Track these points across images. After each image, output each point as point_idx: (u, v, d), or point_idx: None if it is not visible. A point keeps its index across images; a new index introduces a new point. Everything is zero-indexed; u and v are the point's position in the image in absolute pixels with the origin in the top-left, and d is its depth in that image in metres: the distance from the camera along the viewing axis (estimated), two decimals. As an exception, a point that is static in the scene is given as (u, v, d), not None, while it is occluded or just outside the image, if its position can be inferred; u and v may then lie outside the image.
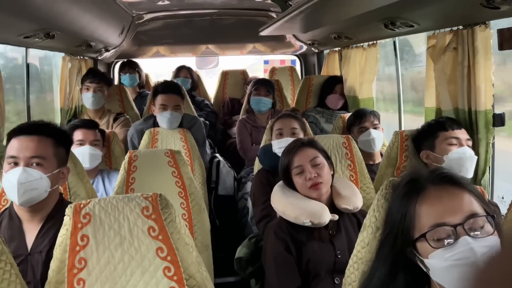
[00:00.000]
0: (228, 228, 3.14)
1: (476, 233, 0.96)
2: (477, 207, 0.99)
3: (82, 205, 1.20)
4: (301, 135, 2.46)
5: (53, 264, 1.19)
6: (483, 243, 0.95)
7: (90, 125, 2.52)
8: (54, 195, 1.60)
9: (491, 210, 1.02)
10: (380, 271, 1.09)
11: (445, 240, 0.97)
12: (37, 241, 1.53)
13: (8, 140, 1.56)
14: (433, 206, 1.00)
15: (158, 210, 1.20)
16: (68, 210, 1.20)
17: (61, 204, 1.61)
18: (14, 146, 1.53)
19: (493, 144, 2.10)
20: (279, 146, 2.35)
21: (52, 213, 1.58)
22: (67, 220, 1.19)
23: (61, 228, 1.20)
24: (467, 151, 1.99)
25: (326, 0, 2.24)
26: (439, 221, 0.98)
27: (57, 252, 1.19)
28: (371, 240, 1.22)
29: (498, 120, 2.06)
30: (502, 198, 2.15)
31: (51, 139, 1.58)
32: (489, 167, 2.11)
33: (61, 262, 1.16)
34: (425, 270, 1.02)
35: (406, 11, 2.18)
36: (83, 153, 2.38)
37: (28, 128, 1.57)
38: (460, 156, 1.97)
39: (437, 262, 0.97)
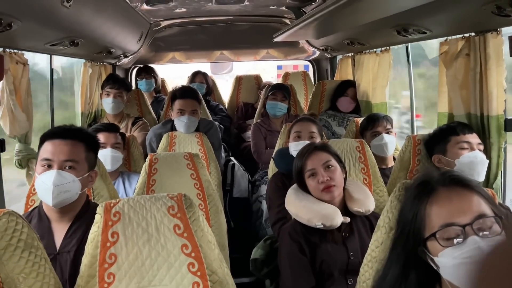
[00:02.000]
0: (243, 230, 3.20)
1: (484, 233, 1.01)
2: (486, 208, 1.04)
3: (112, 204, 1.28)
4: (318, 139, 2.51)
5: (85, 259, 1.26)
6: (491, 242, 0.99)
7: (111, 128, 2.61)
8: (83, 197, 1.67)
9: (499, 212, 1.06)
10: (394, 269, 1.14)
11: (455, 240, 1.02)
12: (65, 240, 1.59)
13: (41, 143, 1.63)
14: (443, 206, 1.05)
15: (183, 209, 1.27)
16: (99, 209, 1.28)
17: (87, 205, 1.68)
18: (48, 149, 1.60)
19: (505, 149, 2.13)
20: (296, 148, 2.40)
21: (79, 214, 1.64)
22: (98, 218, 1.27)
23: (93, 225, 1.28)
24: (478, 155, 2.03)
25: (340, 7, 2.29)
26: (449, 221, 1.03)
27: (89, 248, 1.26)
28: (385, 239, 1.28)
29: (510, 125, 2.10)
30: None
31: (83, 144, 1.65)
32: (501, 171, 2.15)
33: (93, 257, 1.24)
34: (435, 268, 1.07)
35: (419, 18, 2.23)
36: (105, 155, 2.46)
37: (62, 132, 1.63)
38: (471, 160, 2.01)
39: (447, 260, 1.02)
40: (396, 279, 1.13)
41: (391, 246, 1.18)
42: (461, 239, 1.01)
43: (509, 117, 2.11)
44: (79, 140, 1.64)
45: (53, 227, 1.62)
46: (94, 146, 1.72)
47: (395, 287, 1.13)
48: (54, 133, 1.63)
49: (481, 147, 2.05)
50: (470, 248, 0.99)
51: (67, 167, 1.59)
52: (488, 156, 2.08)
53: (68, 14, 2.07)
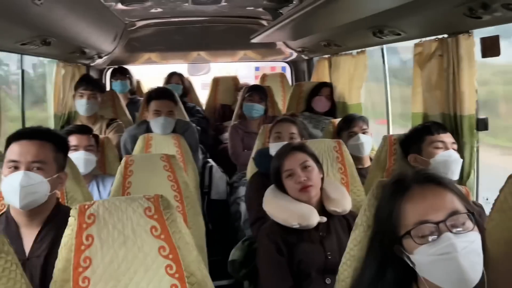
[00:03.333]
0: (221, 232, 3.18)
1: (458, 229, 1.02)
2: (459, 205, 1.06)
3: (86, 206, 1.24)
4: (298, 140, 2.52)
5: (58, 264, 1.22)
6: (464, 238, 1.01)
7: (84, 130, 2.55)
8: (52, 200, 1.62)
9: (471, 208, 1.08)
10: (371, 267, 1.15)
11: (429, 237, 1.03)
12: (35, 245, 1.53)
13: (7, 145, 1.57)
14: (417, 204, 1.06)
15: (160, 210, 1.25)
16: (73, 211, 1.24)
17: (58, 208, 1.63)
18: (15, 151, 1.54)
19: (477, 148, 2.18)
20: (276, 149, 2.39)
21: (49, 217, 1.58)
22: (72, 220, 1.23)
23: (66, 228, 1.24)
24: (453, 154, 2.07)
25: (317, 9, 2.31)
26: (423, 219, 1.04)
27: (62, 251, 1.22)
28: (363, 238, 1.28)
29: (482, 124, 2.15)
30: (487, 199, 2.23)
31: (51, 144, 1.59)
32: (474, 169, 2.20)
33: (67, 261, 1.20)
34: (411, 265, 1.08)
35: (394, 20, 2.27)
36: (78, 158, 2.40)
37: (29, 133, 1.58)
38: (445, 159, 2.05)
39: (422, 257, 1.03)
40: (373, 277, 1.14)
41: (368, 244, 1.19)
42: (436, 236, 1.02)
43: (480, 117, 2.17)
44: (47, 140, 1.59)
45: (22, 232, 1.56)
46: (63, 147, 1.67)
47: (373, 285, 1.14)
48: (20, 134, 1.58)
49: (455, 146, 2.10)
50: (444, 245, 1.01)
51: (34, 168, 1.54)
52: (461, 155, 2.13)
53: (39, 11, 2.01)
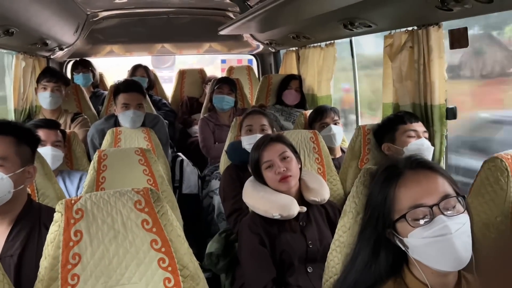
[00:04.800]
0: (194, 226, 3.14)
1: (449, 212, 1.07)
2: (449, 189, 1.10)
3: (73, 201, 1.19)
4: (269, 131, 2.53)
5: (44, 262, 1.17)
6: (456, 220, 1.06)
7: (52, 125, 2.45)
8: (22, 197, 1.55)
9: (460, 191, 1.13)
10: (364, 252, 1.17)
11: (422, 220, 1.07)
12: (7, 244, 1.47)
13: None
14: (411, 189, 1.10)
15: (151, 203, 1.22)
16: (59, 207, 1.19)
17: (29, 205, 1.56)
18: None
19: (446, 136, 2.27)
20: (248, 142, 2.40)
21: (21, 215, 1.52)
22: (59, 216, 1.18)
23: (52, 225, 1.19)
24: (425, 143, 2.14)
25: (286, 1, 2.31)
26: (417, 203, 1.08)
27: (48, 249, 1.17)
28: (352, 224, 1.31)
29: (451, 113, 2.24)
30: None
31: (12, 138, 1.52)
32: (443, 157, 2.28)
33: (54, 258, 1.15)
34: (403, 248, 1.11)
35: (365, 11, 2.30)
36: (45, 154, 2.29)
37: None
38: (418, 147, 2.12)
39: (416, 240, 1.07)
40: (366, 261, 1.16)
41: (360, 230, 1.21)
42: (429, 219, 1.06)
43: (449, 106, 2.25)
44: (7, 134, 1.51)
45: None
46: (28, 139, 1.59)
47: (365, 268, 1.16)
48: None
49: (426, 135, 2.17)
50: (439, 227, 1.04)
51: None
52: (432, 143, 2.21)
53: (2, 0, 1.91)
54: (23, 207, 1.54)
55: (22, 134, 1.56)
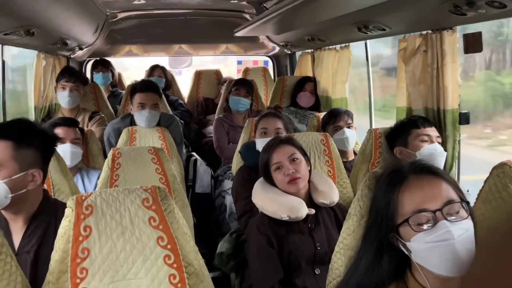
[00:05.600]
0: (206, 225, 3.18)
1: (452, 217, 1.07)
2: (453, 194, 1.10)
3: (84, 197, 1.23)
4: (284, 134, 2.54)
5: (55, 255, 1.21)
6: (459, 226, 1.06)
7: (70, 123, 2.52)
8: (33, 197, 1.53)
9: (465, 197, 1.13)
10: (367, 255, 1.18)
11: (425, 225, 1.07)
12: (24, 241, 1.50)
13: None
14: (415, 193, 1.10)
15: (158, 201, 1.25)
16: (70, 203, 1.23)
17: (46, 202, 1.58)
18: None
19: (459, 141, 2.25)
20: (263, 144, 2.41)
21: (37, 212, 1.54)
22: (69, 211, 1.22)
23: (63, 219, 1.23)
24: (438, 148, 2.13)
25: (302, 4, 2.33)
26: (420, 207, 1.08)
27: (59, 242, 1.21)
28: (356, 227, 1.31)
29: (464, 118, 2.22)
30: (468, 191, 2.30)
31: (9, 142, 1.47)
32: (456, 162, 2.27)
33: (64, 252, 1.19)
34: (406, 253, 1.11)
35: (379, 15, 2.31)
36: (64, 151, 2.37)
37: None
38: (431, 152, 2.11)
39: (419, 244, 1.07)
40: (369, 264, 1.17)
41: (364, 233, 1.22)
42: (432, 224, 1.06)
43: (463, 111, 2.23)
44: (4, 138, 1.46)
45: (11, 227, 1.52)
46: (32, 141, 1.52)
47: (368, 272, 1.17)
48: None
49: (440, 140, 2.16)
50: (442, 232, 1.05)
51: None
52: (444, 148, 2.19)
53: (23, 1, 1.97)
54: (39, 204, 1.55)
55: (23, 136, 1.51)
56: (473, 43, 2.06)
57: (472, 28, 2.12)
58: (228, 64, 6.72)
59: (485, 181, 1.51)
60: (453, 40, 2.15)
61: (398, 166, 1.18)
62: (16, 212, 1.51)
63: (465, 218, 1.08)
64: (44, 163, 1.59)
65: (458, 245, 1.03)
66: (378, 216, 1.16)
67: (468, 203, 1.11)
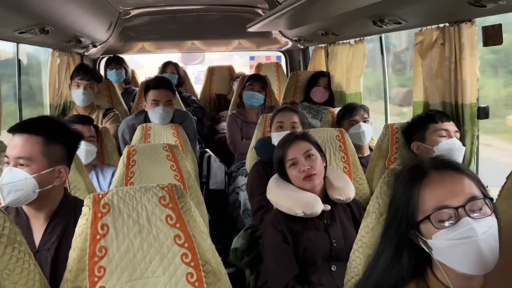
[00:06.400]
0: (220, 221, 3.18)
1: (475, 214, 1.04)
2: (476, 190, 1.07)
3: (100, 196, 1.23)
4: (300, 129, 2.52)
5: (73, 253, 1.22)
6: (482, 223, 1.03)
7: (85, 121, 2.53)
8: (55, 194, 1.56)
9: (487, 193, 1.10)
10: (387, 253, 1.16)
11: (447, 222, 1.04)
12: (44, 238, 1.51)
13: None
14: (436, 189, 1.07)
15: (175, 199, 1.24)
16: (87, 201, 1.23)
17: (66, 200, 1.59)
18: (9, 145, 1.50)
19: (477, 136, 2.20)
20: (278, 138, 2.39)
21: (57, 209, 1.55)
22: (87, 210, 1.22)
23: (80, 218, 1.23)
24: (456, 143, 2.09)
25: (316, -2, 2.30)
26: (442, 204, 1.05)
27: (77, 241, 1.22)
28: (375, 225, 1.29)
29: (483, 113, 2.17)
30: (487, 187, 2.26)
31: (40, 137, 1.50)
32: (474, 157, 2.22)
33: (82, 250, 1.19)
34: (427, 250, 1.09)
35: (395, 8, 2.27)
36: (79, 149, 2.37)
37: (20, 126, 1.52)
38: (449, 147, 2.07)
39: (441, 242, 1.05)
40: (389, 262, 1.15)
41: (383, 231, 1.20)
42: (454, 221, 1.04)
43: (481, 105, 2.18)
44: (36, 133, 1.49)
45: (32, 223, 1.53)
46: (60, 138, 1.56)
47: (387, 270, 1.15)
48: (14, 127, 1.52)
49: (458, 134, 2.12)
50: (465, 229, 1.02)
51: (19, 164, 1.48)
52: (463, 143, 2.15)
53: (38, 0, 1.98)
54: (60, 202, 1.56)
55: (52, 133, 1.53)
56: (493, 36, 2.01)
57: (489, 21, 2.07)
58: (233, 62, 6.69)
59: (507, 177, 1.47)
60: (472, 32, 2.10)
61: (418, 162, 1.15)
62: (38, 208, 1.53)
63: (489, 215, 1.05)
64: (69, 159, 1.62)
65: (481, 243, 1.01)
66: (398, 213, 1.14)
67: (491, 199, 1.08)
